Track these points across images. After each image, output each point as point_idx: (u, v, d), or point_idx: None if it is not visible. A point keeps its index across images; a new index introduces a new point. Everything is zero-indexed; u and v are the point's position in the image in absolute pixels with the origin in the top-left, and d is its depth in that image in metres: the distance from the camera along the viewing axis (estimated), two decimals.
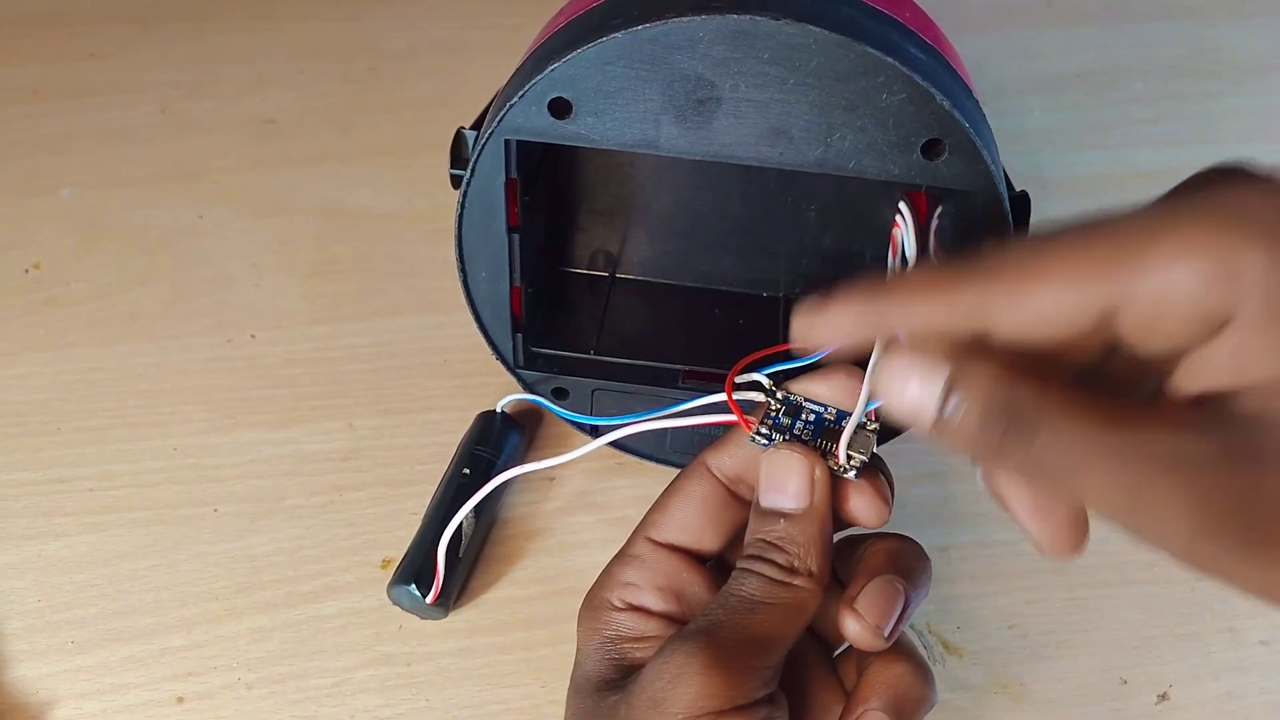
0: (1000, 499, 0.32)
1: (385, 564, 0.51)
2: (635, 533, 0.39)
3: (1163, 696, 0.48)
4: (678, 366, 0.50)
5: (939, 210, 0.44)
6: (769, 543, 0.36)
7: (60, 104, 0.71)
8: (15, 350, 0.58)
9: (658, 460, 0.53)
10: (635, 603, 0.38)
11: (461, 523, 0.48)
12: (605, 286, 0.55)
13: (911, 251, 0.45)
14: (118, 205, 0.66)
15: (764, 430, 0.37)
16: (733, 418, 0.38)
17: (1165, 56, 0.75)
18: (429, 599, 0.47)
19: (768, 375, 0.38)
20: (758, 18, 0.36)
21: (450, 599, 0.48)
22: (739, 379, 0.38)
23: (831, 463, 0.37)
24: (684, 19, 0.36)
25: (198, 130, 0.70)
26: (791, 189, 0.51)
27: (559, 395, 0.51)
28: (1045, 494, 0.31)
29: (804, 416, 0.38)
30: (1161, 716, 0.47)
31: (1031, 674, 0.48)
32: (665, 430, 0.49)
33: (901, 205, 0.45)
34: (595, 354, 0.51)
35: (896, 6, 0.40)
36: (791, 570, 0.35)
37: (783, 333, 0.52)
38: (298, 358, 0.59)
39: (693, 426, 0.40)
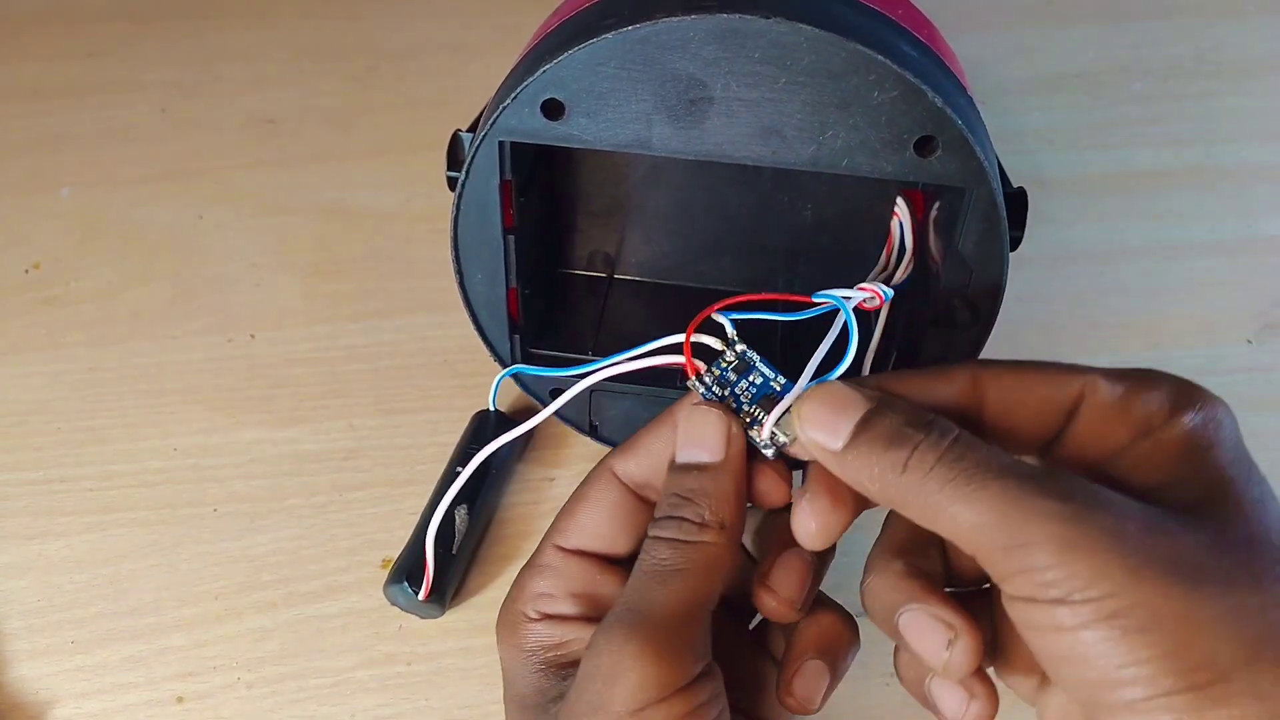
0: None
1: (385, 564, 0.51)
2: (544, 541, 0.39)
3: None
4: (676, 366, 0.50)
5: (936, 207, 0.44)
6: (682, 497, 0.36)
7: (60, 104, 0.71)
8: (15, 350, 0.59)
9: None
10: (550, 612, 0.38)
11: (454, 518, 0.48)
12: (603, 287, 0.54)
13: (908, 249, 0.45)
14: (118, 205, 0.66)
15: (707, 380, 0.38)
16: (678, 359, 0.39)
17: (1165, 56, 0.75)
18: (421, 595, 0.47)
19: (734, 320, 0.39)
20: (748, 16, 0.36)
21: (445, 596, 0.48)
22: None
23: (755, 432, 0.37)
24: (674, 19, 0.36)
25: (198, 130, 0.70)
26: (788, 188, 0.51)
27: (557, 396, 0.50)
28: None
29: (751, 378, 0.38)
30: None
31: None
32: None
33: (899, 202, 0.45)
34: (593, 355, 0.50)
35: (889, 4, 0.39)
36: (703, 525, 0.35)
37: (779, 333, 0.52)
38: (298, 358, 0.59)
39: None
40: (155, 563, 0.51)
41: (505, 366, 0.49)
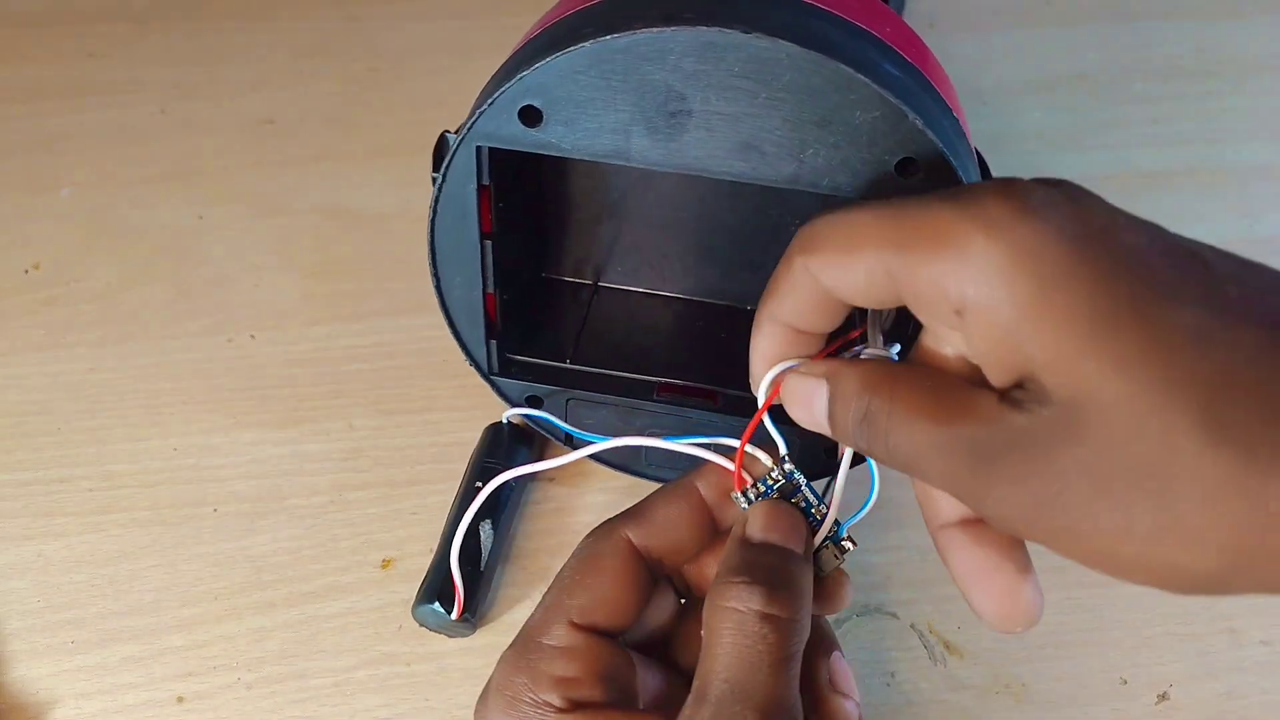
0: (946, 564, 0.34)
1: (385, 564, 0.51)
2: (548, 616, 0.37)
3: (1163, 696, 0.48)
4: (652, 379, 0.50)
5: None
6: (779, 575, 0.35)
7: (60, 104, 0.71)
8: (15, 350, 0.59)
9: (632, 473, 0.52)
10: (581, 699, 0.35)
11: (479, 534, 0.48)
12: (588, 295, 0.54)
13: None
14: (118, 205, 0.66)
15: (751, 495, 0.38)
16: (724, 463, 0.39)
17: (1165, 56, 0.75)
18: (454, 615, 0.47)
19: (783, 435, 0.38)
20: (727, 30, 0.35)
21: (476, 613, 0.48)
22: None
23: None
24: (653, 30, 0.36)
25: (198, 130, 0.70)
26: (776, 203, 0.50)
27: (533, 404, 0.50)
28: (980, 560, 0.33)
29: (795, 500, 0.38)
30: (1161, 716, 0.47)
31: (1032, 674, 0.48)
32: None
33: None
34: (572, 363, 0.50)
35: (876, 21, 0.39)
36: (800, 606, 0.35)
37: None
38: (298, 358, 0.59)
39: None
40: (155, 563, 0.51)
41: (481, 372, 0.49)
